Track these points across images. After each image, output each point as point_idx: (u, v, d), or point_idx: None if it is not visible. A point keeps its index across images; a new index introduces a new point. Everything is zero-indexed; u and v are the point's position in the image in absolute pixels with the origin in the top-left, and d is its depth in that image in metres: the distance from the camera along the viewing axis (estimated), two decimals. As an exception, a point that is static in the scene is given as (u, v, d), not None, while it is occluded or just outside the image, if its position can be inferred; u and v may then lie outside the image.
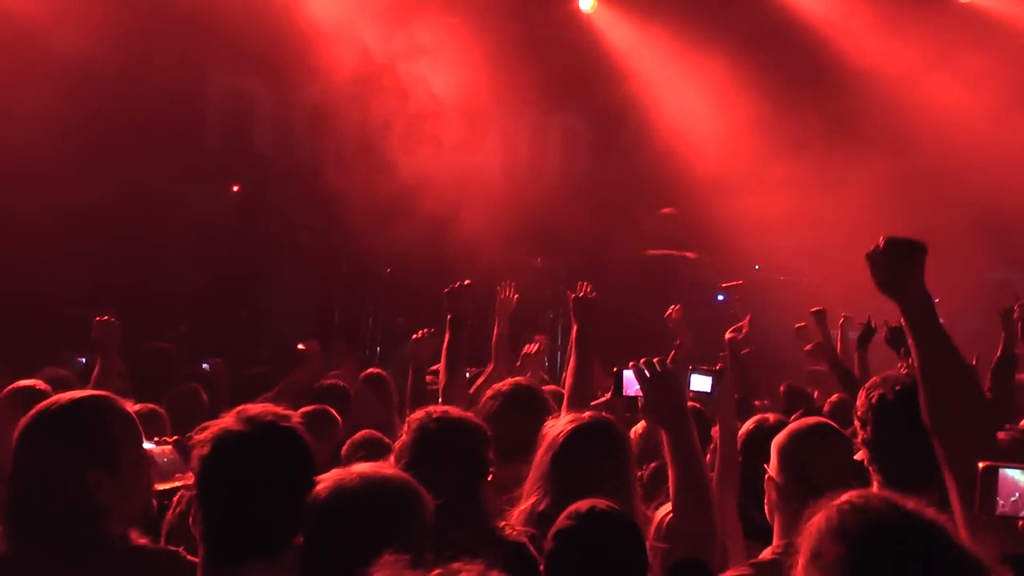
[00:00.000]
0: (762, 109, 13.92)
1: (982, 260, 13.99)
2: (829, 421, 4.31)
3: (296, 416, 3.31)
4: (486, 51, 13.78)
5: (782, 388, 9.28)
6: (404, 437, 4.18)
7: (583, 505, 3.61)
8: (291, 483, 3.07)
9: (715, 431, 4.87)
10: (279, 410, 3.29)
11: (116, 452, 3.50)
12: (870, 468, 4.36)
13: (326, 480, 3.07)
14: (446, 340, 6.90)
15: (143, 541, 3.57)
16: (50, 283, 11.71)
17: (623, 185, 15.61)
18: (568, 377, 6.00)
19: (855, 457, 5.07)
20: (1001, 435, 5.34)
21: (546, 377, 9.73)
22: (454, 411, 4.32)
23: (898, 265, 3.90)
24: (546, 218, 14.50)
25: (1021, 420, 6.56)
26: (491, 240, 13.70)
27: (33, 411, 3.57)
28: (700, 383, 4.70)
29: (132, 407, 3.72)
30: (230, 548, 3.10)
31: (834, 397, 7.78)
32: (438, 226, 12.89)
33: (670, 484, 3.97)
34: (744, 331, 8.64)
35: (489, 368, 7.97)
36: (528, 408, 5.31)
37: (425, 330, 7.50)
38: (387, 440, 5.96)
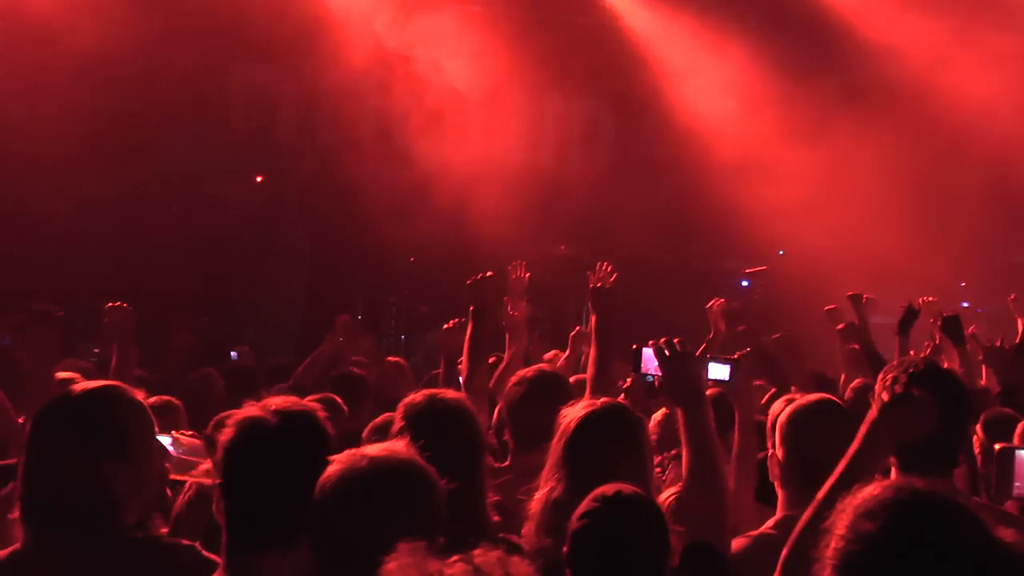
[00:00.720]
0: (784, 92, 13.86)
1: (1005, 243, 13.93)
2: (832, 397, 4.31)
3: (319, 408, 3.32)
4: (508, 39, 13.76)
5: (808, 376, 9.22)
6: (397, 423, 4.17)
7: (609, 489, 3.58)
8: (313, 474, 3.06)
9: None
10: (303, 402, 3.31)
11: (129, 442, 3.50)
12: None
13: (336, 463, 3.05)
14: (468, 331, 6.91)
15: (160, 532, 3.59)
16: (75, 276, 11.78)
17: (646, 171, 15.59)
18: (589, 366, 5.99)
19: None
20: None
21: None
22: (449, 394, 4.31)
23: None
24: (569, 205, 14.50)
25: None
26: (514, 228, 13.70)
27: (45, 403, 3.58)
28: (718, 371, 4.71)
29: (146, 398, 3.73)
30: (252, 536, 3.10)
31: (857, 382, 7.72)
32: (461, 215, 12.90)
33: (683, 464, 3.99)
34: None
35: (507, 355, 7.95)
36: (552, 395, 5.30)
37: (457, 320, 7.49)
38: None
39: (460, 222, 13.03)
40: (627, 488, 3.59)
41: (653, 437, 5.14)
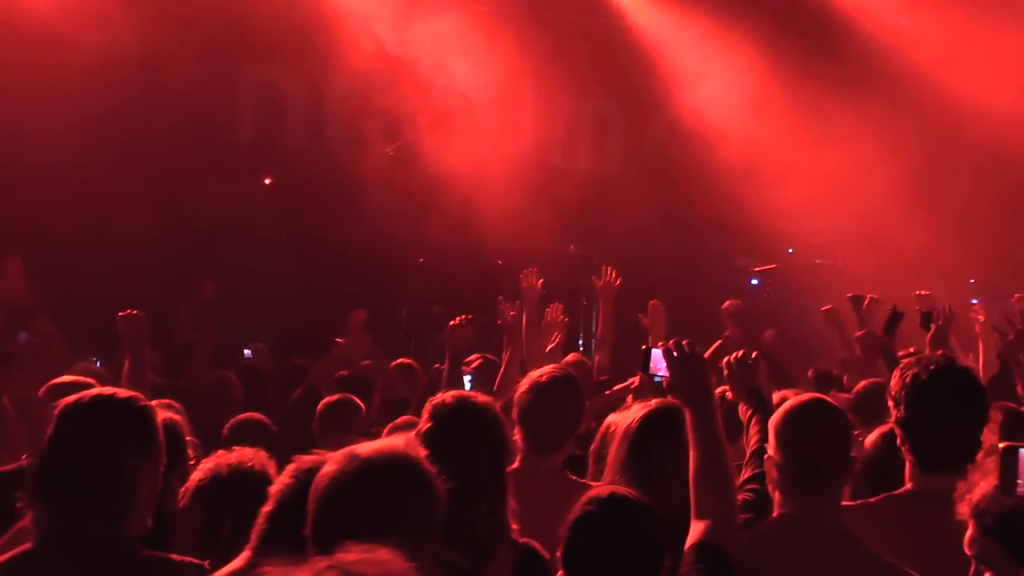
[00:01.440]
0: (795, 92, 13.84)
1: (1015, 238, 13.90)
2: (825, 398, 4.33)
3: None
4: (516, 38, 13.77)
5: (810, 373, 9.21)
6: (425, 423, 4.19)
7: (604, 491, 3.66)
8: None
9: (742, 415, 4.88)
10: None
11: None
12: (903, 448, 4.37)
13: (331, 463, 3.06)
14: (445, 369, 7.13)
15: (170, 555, 3.61)
16: (83, 277, 11.80)
17: (656, 170, 15.58)
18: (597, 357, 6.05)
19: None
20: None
21: (585, 361, 9.70)
22: (477, 396, 4.33)
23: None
24: (579, 205, 14.49)
25: None
26: (524, 228, 13.70)
27: (85, 397, 3.60)
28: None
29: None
30: None
31: (864, 383, 7.69)
32: (470, 215, 12.91)
33: (691, 464, 4.02)
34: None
35: (505, 357, 7.97)
36: (564, 397, 5.31)
37: (463, 317, 7.52)
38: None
39: (469, 222, 13.03)
40: (620, 491, 3.70)
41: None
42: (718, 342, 8.30)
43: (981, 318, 8.96)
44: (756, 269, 14.50)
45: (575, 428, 5.26)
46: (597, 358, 9.09)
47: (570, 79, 15.07)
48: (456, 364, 7.29)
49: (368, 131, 14.66)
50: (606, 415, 5.41)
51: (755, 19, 14.31)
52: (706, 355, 4.31)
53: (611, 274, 9.39)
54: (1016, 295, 8.53)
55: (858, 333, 8.86)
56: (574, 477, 5.11)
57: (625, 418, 4.52)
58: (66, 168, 12.26)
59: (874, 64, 14.13)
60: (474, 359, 8.89)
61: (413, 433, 3.99)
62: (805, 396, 4.33)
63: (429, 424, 4.15)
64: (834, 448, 4.02)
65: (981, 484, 3.43)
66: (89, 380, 5.78)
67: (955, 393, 4.27)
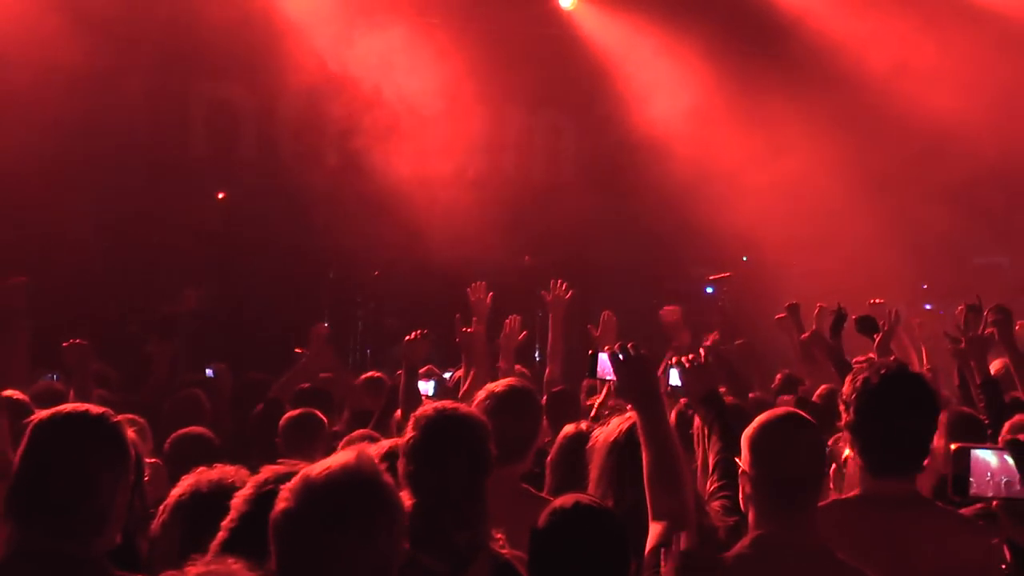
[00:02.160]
0: (745, 101, 13.94)
1: (968, 244, 14.03)
2: (799, 411, 4.31)
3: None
4: (470, 51, 13.78)
5: (778, 378, 9.24)
6: (411, 433, 4.17)
7: (568, 500, 3.66)
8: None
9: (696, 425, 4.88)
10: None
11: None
12: (852, 451, 4.37)
13: (284, 495, 3.00)
14: (401, 384, 7.13)
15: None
16: (34, 291, 11.67)
17: (609, 181, 15.62)
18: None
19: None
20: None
21: (526, 372, 9.70)
22: (461, 407, 4.34)
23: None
24: (533, 216, 14.51)
25: None
26: (478, 239, 13.70)
27: (59, 413, 3.58)
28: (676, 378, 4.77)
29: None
30: None
31: (823, 388, 7.74)
32: (425, 227, 12.89)
33: (644, 466, 4.01)
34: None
35: (472, 372, 7.98)
36: (523, 409, 5.31)
37: (419, 331, 7.53)
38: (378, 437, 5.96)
39: (424, 234, 13.02)
40: (585, 498, 3.71)
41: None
42: (667, 356, 8.31)
43: (916, 320, 9.03)
44: (710, 278, 14.54)
45: (534, 440, 5.25)
46: (547, 371, 9.07)
47: (522, 91, 15.10)
48: (412, 378, 7.28)
49: (319, 145, 14.63)
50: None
51: (704, 29, 14.38)
52: (659, 372, 4.32)
53: (561, 287, 9.36)
54: (960, 306, 8.54)
55: (803, 336, 8.92)
56: (533, 491, 5.09)
57: (608, 430, 4.51)
58: (18, 182, 12.15)
59: (823, 71, 14.23)
60: (423, 371, 8.88)
61: (367, 445, 3.97)
62: (779, 410, 4.30)
63: (412, 435, 4.15)
64: (810, 463, 3.99)
65: None
66: (24, 398, 5.75)
67: (905, 397, 4.27)
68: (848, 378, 4.42)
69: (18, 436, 3.70)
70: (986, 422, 6.14)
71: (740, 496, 4.07)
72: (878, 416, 4.22)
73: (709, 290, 14.88)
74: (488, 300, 9.01)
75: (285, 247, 14.65)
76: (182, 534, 3.71)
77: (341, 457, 3.06)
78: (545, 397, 7.55)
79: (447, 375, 9.29)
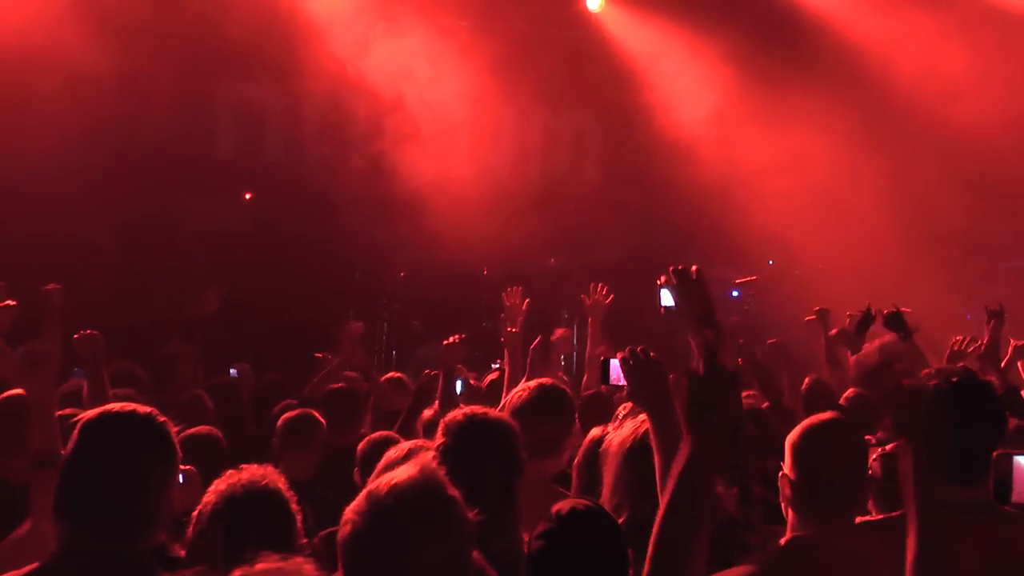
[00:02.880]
0: (773, 102, 13.89)
1: (996, 248, 13.95)
2: (842, 417, 4.28)
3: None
4: (495, 53, 13.77)
5: (807, 381, 9.19)
6: (442, 439, 4.18)
7: (564, 506, 3.62)
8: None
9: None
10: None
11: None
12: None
13: (360, 500, 2.93)
14: (440, 387, 7.16)
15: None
16: (64, 292, 11.74)
17: (635, 183, 15.61)
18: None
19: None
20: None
21: (564, 377, 9.71)
22: (492, 412, 4.34)
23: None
24: (559, 218, 14.51)
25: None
26: (505, 242, 13.71)
27: (109, 412, 3.64)
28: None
29: None
30: None
31: (850, 392, 7.71)
32: (450, 229, 12.90)
33: (656, 471, 3.96)
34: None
35: (507, 372, 7.99)
36: (554, 408, 5.33)
37: (457, 336, 7.56)
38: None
39: (449, 236, 13.02)
40: (581, 504, 3.65)
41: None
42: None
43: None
44: (736, 281, 14.51)
45: (565, 440, 5.26)
46: (585, 377, 9.05)
47: (547, 93, 15.09)
48: (449, 381, 7.29)
49: (345, 147, 14.65)
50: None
51: (731, 32, 14.35)
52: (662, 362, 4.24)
53: (601, 291, 9.32)
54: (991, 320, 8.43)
55: (832, 332, 8.87)
56: (563, 491, 5.10)
57: (620, 435, 4.45)
58: (47, 185, 12.22)
59: (851, 74, 14.19)
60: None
61: (425, 453, 3.95)
62: (823, 415, 4.29)
63: (442, 440, 4.16)
64: (851, 468, 3.97)
65: None
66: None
67: (975, 404, 4.23)
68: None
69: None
70: None
71: (781, 497, 4.07)
72: (950, 423, 4.17)
73: (735, 293, 14.86)
74: (524, 306, 9.06)
75: (311, 248, 14.68)
76: (224, 541, 3.71)
77: (404, 471, 3.00)
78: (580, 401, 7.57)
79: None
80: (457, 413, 4.27)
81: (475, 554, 3.04)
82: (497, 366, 10.42)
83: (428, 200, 13.08)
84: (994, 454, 3.94)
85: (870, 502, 4.74)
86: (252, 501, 3.85)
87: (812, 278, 12.71)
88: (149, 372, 9.51)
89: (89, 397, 6.09)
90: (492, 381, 8.71)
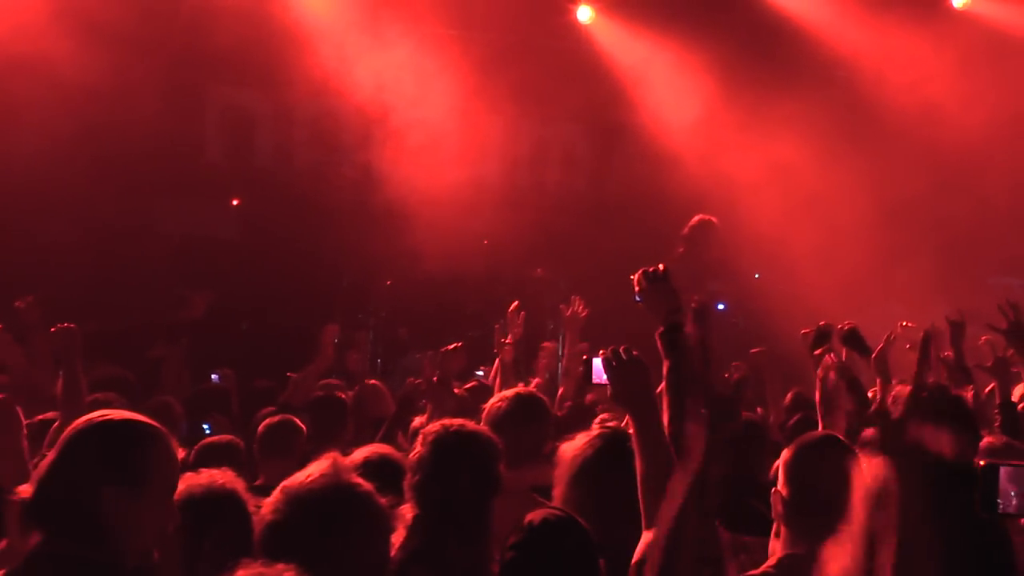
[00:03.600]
0: (764, 115, 13.91)
1: (983, 264, 13.97)
2: (835, 434, 4.30)
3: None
4: (485, 63, 13.79)
5: (789, 396, 9.17)
6: (419, 449, 4.18)
7: (536, 516, 3.60)
8: None
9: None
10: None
11: (139, 474, 3.52)
12: None
13: (276, 493, 3.04)
14: (433, 394, 7.12)
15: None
16: (48, 298, 11.70)
17: (623, 195, 15.61)
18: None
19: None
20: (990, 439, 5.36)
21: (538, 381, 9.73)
22: (470, 424, 4.34)
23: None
24: (546, 228, 14.50)
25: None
26: (491, 251, 13.71)
27: (91, 421, 3.64)
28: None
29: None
30: None
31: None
32: (439, 237, 12.89)
33: (637, 475, 3.93)
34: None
35: (561, 390, 8.07)
36: (531, 417, 5.34)
37: (456, 343, 7.55)
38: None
39: (436, 245, 13.01)
40: (553, 514, 3.63)
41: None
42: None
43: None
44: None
45: (543, 446, 5.27)
46: (561, 389, 9.07)
47: (538, 103, 15.09)
48: (444, 389, 7.27)
49: (335, 154, 14.64)
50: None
51: (722, 45, 14.39)
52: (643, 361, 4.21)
53: (578, 304, 9.34)
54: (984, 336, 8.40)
55: (817, 351, 8.83)
56: (540, 499, 5.09)
57: (574, 446, 4.41)
58: (34, 190, 12.21)
59: (841, 89, 14.26)
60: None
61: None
62: (816, 433, 4.31)
63: (420, 450, 4.16)
64: (844, 487, 3.98)
65: None
66: None
67: (947, 417, 4.27)
68: (889, 400, 4.42)
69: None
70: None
71: (772, 513, 4.06)
72: (925, 435, 4.20)
73: (721, 306, 14.84)
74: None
75: (298, 255, 14.65)
76: (182, 543, 3.70)
77: (318, 467, 3.09)
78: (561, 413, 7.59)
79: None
80: (436, 424, 4.27)
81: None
82: (481, 373, 10.43)
83: (416, 208, 13.07)
84: (981, 463, 3.94)
85: None
86: (210, 502, 3.86)
87: (798, 289, 12.69)
88: (135, 377, 9.50)
89: (63, 393, 6.02)
90: (472, 388, 8.74)
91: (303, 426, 7.31)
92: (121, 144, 12.89)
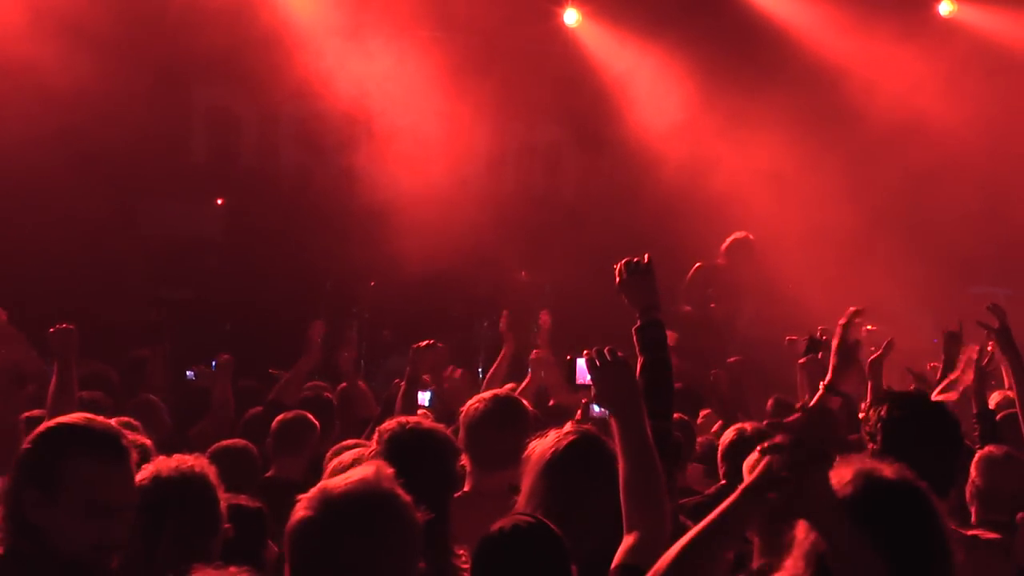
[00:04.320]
0: (750, 122, 13.95)
1: (965, 274, 14.03)
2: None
3: None
4: (471, 66, 13.80)
5: (770, 402, 9.20)
6: (375, 447, 4.18)
7: (507, 522, 3.56)
8: None
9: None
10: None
11: (55, 479, 3.54)
12: None
13: (314, 492, 3.02)
14: (400, 392, 7.07)
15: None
16: (32, 298, 11.70)
17: (609, 197, 15.63)
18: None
19: None
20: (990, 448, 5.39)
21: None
22: (426, 422, 4.33)
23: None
24: (531, 232, 14.52)
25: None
26: (476, 254, 13.72)
27: (64, 423, 3.71)
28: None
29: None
30: None
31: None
32: (424, 240, 12.90)
33: (620, 478, 3.84)
34: None
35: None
36: (508, 419, 5.35)
37: (428, 340, 7.50)
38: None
39: (421, 247, 13.01)
40: (523, 520, 3.58)
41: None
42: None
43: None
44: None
45: (522, 448, 5.28)
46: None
47: (523, 106, 15.10)
48: (413, 387, 7.23)
49: (319, 154, 14.64)
50: None
51: (710, 48, 14.44)
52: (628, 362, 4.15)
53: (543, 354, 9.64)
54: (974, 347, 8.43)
55: (801, 360, 8.87)
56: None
57: (544, 444, 4.29)
58: (20, 188, 12.20)
59: (828, 95, 14.31)
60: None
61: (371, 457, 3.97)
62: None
63: (375, 448, 4.15)
64: None
65: None
66: None
67: (929, 427, 4.28)
68: (871, 409, 4.42)
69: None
70: None
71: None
72: (904, 445, 4.19)
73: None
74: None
75: (283, 256, 14.65)
76: (143, 522, 3.71)
77: (360, 471, 3.08)
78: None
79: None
80: (392, 422, 4.27)
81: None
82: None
83: (401, 210, 13.07)
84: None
85: None
86: (176, 485, 3.88)
87: (784, 295, 12.72)
88: (119, 375, 9.50)
89: (55, 393, 5.97)
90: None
91: (317, 423, 7.38)
92: (106, 144, 12.86)
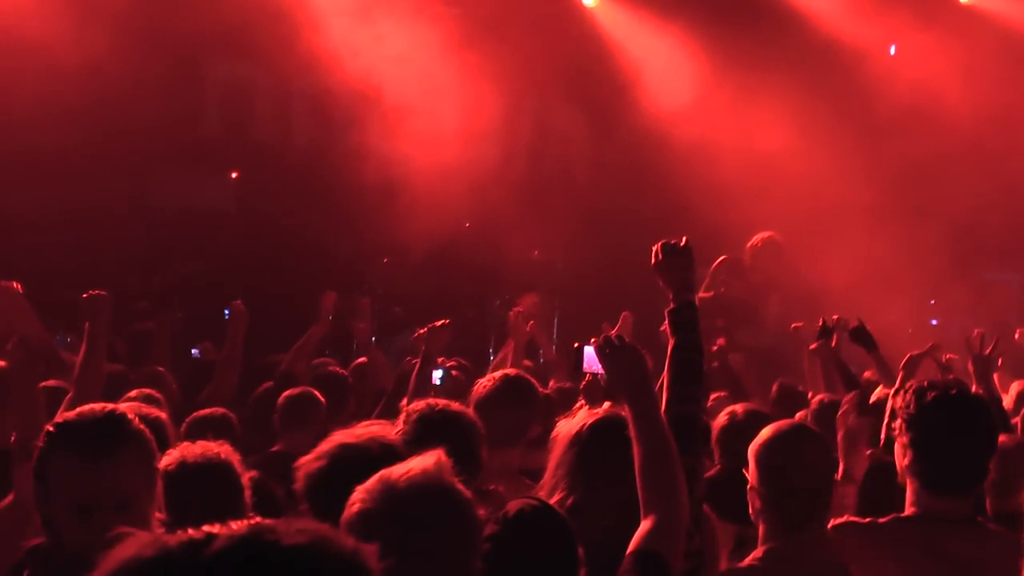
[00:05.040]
0: (767, 103, 13.90)
1: (975, 260, 13.99)
2: (806, 424, 4.28)
3: None
4: (487, 41, 13.75)
5: (775, 388, 9.18)
6: (402, 427, 4.18)
7: (513, 507, 3.50)
8: None
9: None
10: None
11: (47, 477, 3.55)
12: (908, 469, 4.26)
13: (373, 483, 2.93)
14: (415, 370, 7.03)
15: None
16: (47, 269, 11.74)
17: (623, 178, 15.60)
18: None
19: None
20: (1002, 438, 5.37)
21: (530, 365, 9.77)
22: (455, 406, 4.33)
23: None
24: (544, 210, 14.50)
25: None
26: (489, 232, 13.70)
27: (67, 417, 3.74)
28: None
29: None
30: None
31: (820, 398, 7.68)
32: (436, 216, 12.89)
33: (635, 465, 3.79)
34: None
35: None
36: (518, 398, 5.37)
37: (443, 320, 7.47)
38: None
39: (435, 225, 13.00)
40: (532, 503, 3.54)
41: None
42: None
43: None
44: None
45: (529, 427, 5.30)
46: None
47: (537, 83, 15.07)
48: (427, 366, 7.21)
49: (334, 129, 14.62)
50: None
51: (731, 30, 14.39)
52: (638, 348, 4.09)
53: (521, 318, 9.64)
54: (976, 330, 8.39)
55: (812, 346, 8.85)
56: (529, 482, 5.11)
57: (570, 424, 4.28)
58: (33, 162, 12.20)
59: (842, 75, 14.26)
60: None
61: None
62: (784, 423, 4.26)
63: (402, 428, 4.15)
64: (818, 476, 3.95)
65: None
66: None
67: (968, 416, 4.23)
68: (901, 396, 4.34)
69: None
70: None
71: (750, 510, 4.04)
72: (942, 433, 4.14)
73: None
74: (529, 328, 9.48)
75: (295, 230, 14.65)
76: (168, 506, 3.71)
77: (419, 463, 3.00)
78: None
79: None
80: (422, 404, 4.26)
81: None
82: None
83: (414, 186, 13.06)
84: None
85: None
86: (202, 471, 3.88)
87: (798, 282, 12.69)
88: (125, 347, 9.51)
89: (83, 361, 5.69)
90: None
91: (323, 399, 7.39)
92: (120, 117, 12.87)
